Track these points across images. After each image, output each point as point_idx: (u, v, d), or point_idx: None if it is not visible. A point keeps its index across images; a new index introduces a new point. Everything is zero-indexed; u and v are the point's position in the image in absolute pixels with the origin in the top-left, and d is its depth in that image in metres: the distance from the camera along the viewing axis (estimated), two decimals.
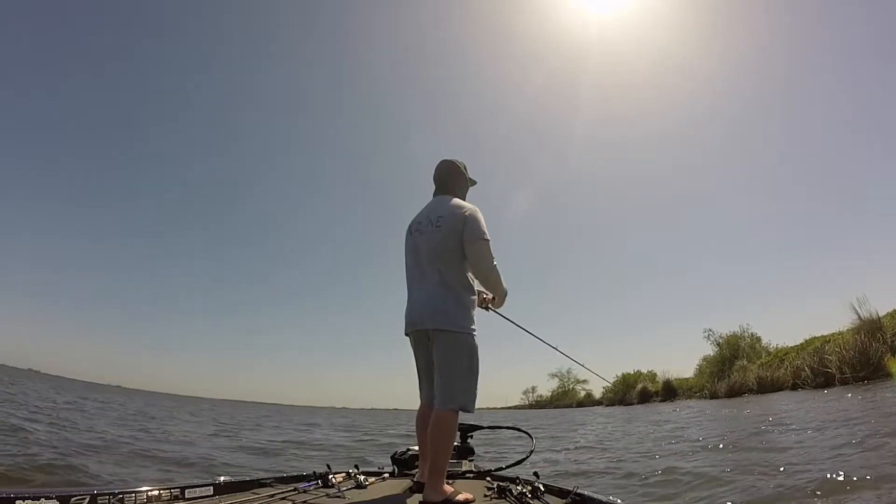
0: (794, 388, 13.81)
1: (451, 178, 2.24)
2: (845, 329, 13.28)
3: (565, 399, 41.05)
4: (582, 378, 42.14)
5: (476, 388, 2.01)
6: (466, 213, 2.03)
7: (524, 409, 47.59)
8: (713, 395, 18.99)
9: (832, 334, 14.69)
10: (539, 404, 46.04)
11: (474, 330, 2.04)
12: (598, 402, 34.05)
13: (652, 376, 28.29)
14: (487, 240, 2.03)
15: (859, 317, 12.14)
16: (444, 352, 1.98)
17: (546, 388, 47.25)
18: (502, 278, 2.15)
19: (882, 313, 12.49)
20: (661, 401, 24.15)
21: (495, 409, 55.65)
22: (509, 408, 52.42)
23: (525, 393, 50.93)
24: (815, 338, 16.15)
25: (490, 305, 2.36)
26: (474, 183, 2.35)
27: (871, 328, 11.40)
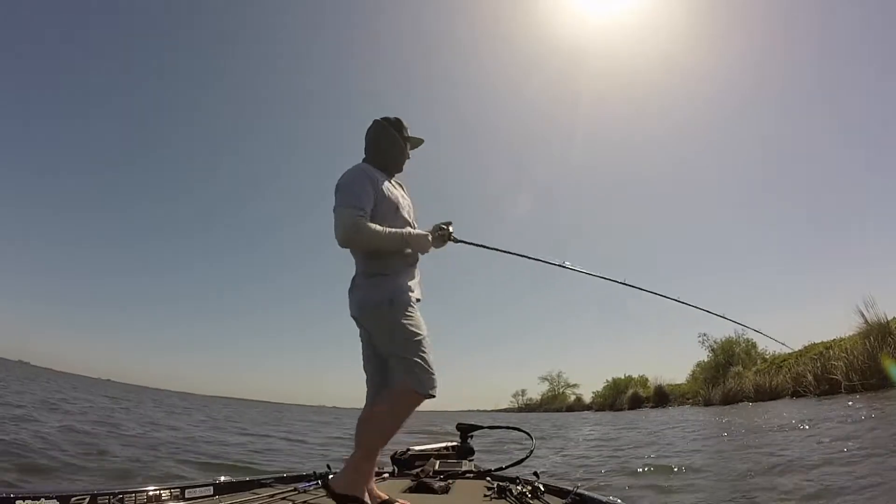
0: (795, 395, 13.18)
1: (367, 144, 2.03)
2: (848, 335, 12.62)
3: (555, 403, 40.53)
4: (572, 382, 41.74)
5: (425, 364, 1.74)
6: (337, 182, 1.85)
7: (514, 411, 47.06)
8: (707, 402, 18.40)
9: (834, 340, 14.04)
10: (529, 407, 45.51)
11: (390, 298, 1.77)
12: (588, 407, 33.59)
13: (643, 381, 27.73)
14: (344, 206, 1.75)
15: (866, 320, 11.35)
16: (374, 338, 1.84)
17: (536, 391, 46.89)
18: (383, 233, 1.78)
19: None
20: (652, 407, 23.63)
21: (485, 411, 55.20)
22: (499, 410, 52.13)
23: (515, 396, 50.50)
24: (816, 344, 15.52)
25: (452, 234, 2.03)
26: (419, 141, 2.09)
27: (880, 332, 10.61)
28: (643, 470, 4.53)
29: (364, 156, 2.03)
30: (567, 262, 2.35)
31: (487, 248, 2.17)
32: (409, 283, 1.86)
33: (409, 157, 2.07)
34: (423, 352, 1.76)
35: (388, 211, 1.86)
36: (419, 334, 1.78)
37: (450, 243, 2.05)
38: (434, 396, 1.74)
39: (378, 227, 1.77)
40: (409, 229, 1.88)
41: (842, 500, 2.80)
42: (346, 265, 1.96)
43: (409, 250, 1.88)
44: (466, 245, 2.09)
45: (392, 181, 1.99)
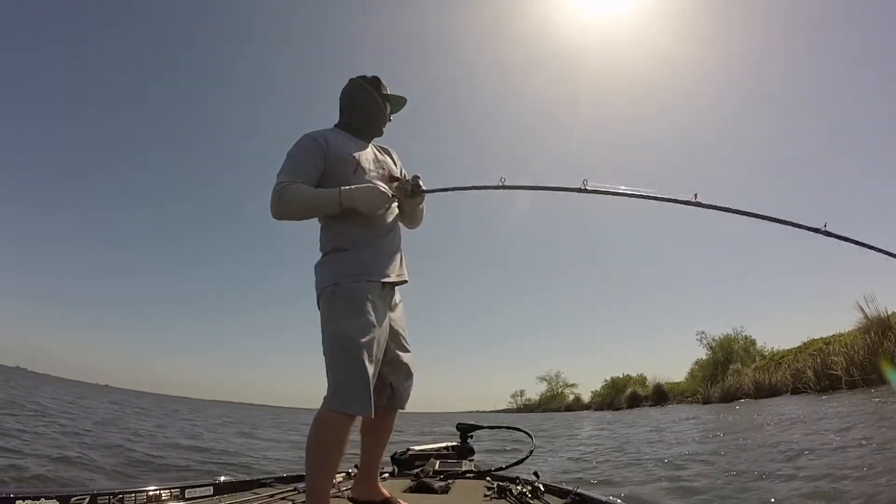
0: (795, 392, 13.14)
1: (341, 106, 1.76)
2: (847, 330, 12.58)
3: (553, 403, 40.51)
4: (571, 382, 41.74)
5: (347, 374, 1.38)
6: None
7: (513, 412, 47.02)
8: (706, 400, 18.37)
9: (833, 336, 14.01)
10: (527, 407, 45.47)
11: (336, 283, 1.47)
12: (587, 407, 33.57)
13: (642, 380, 27.77)
14: (277, 178, 1.49)
15: (866, 315, 11.34)
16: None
17: (534, 391, 46.83)
18: (307, 192, 1.49)
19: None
20: (651, 405, 23.63)
21: (484, 411, 55.19)
22: (498, 411, 52.06)
23: (513, 396, 50.45)
24: (815, 340, 15.52)
25: (420, 184, 1.64)
26: (402, 100, 1.78)
27: (880, 327, 10.59)
28: (649, 467, 4.50)
29: (338, 119, 1.77)
30: (589, 183, 1.64)
31: (460, 189, 1.73)
32: (376, 260, 1.54)
33: (390, 120, 1.79)
34: (351, 358, 1.38)
35: (345, 172, 1.55)
36: (350, 336, 1.40)
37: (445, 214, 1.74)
38: (364, 415, 1.38)
39: (303, 187, 1.47)
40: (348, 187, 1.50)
41: (844, 494, 2.79)
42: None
43: (359, 210, 1.49)
44: (434, 193, 1.70)
45: (373, 146, 1.74)
